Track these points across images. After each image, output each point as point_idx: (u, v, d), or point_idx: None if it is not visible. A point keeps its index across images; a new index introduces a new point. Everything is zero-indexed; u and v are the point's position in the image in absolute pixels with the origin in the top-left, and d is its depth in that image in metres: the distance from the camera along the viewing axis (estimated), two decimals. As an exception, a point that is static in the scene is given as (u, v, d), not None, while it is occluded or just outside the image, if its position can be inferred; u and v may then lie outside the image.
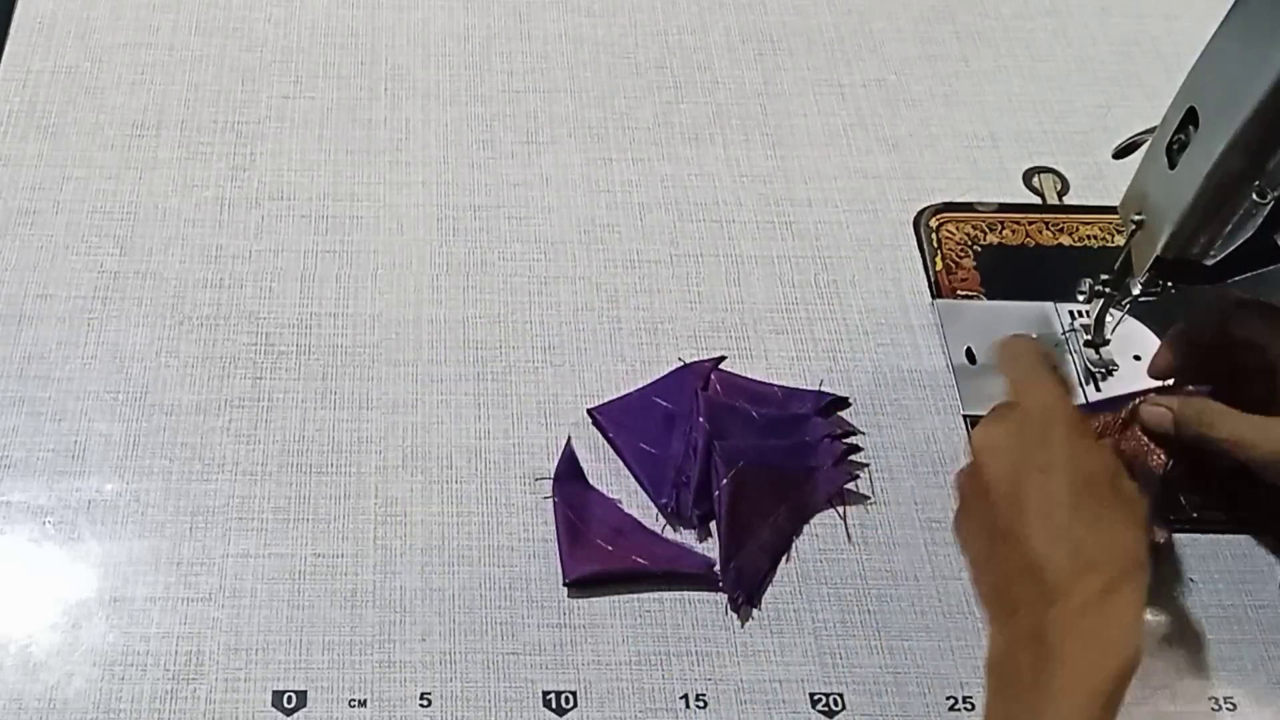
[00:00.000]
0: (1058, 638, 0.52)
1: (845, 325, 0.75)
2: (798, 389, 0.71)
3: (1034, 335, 0.73)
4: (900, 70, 0.87)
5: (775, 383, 0.72)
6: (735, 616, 0.64)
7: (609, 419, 0.69)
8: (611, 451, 0.69)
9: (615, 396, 0.70)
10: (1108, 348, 0.72)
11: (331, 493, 0.67)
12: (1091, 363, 0.72)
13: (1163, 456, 0.67)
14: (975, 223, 0.79)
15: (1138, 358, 0.72)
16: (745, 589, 0.65)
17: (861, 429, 0.71)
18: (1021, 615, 0.54)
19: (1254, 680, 0.64)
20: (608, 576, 0.65)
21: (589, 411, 0.70)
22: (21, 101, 0.81)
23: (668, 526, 0.67)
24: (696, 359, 0.72)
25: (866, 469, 0.69)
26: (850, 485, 0.68)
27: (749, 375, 0.72)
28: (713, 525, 0.66)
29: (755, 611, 0.65)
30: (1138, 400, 0.67)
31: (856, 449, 0.70)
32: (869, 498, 0.68)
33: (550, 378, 0.72)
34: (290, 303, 0.74)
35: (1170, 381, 0.68)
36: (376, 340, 0.73)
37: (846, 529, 0.67)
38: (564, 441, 0.69)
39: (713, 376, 0.71)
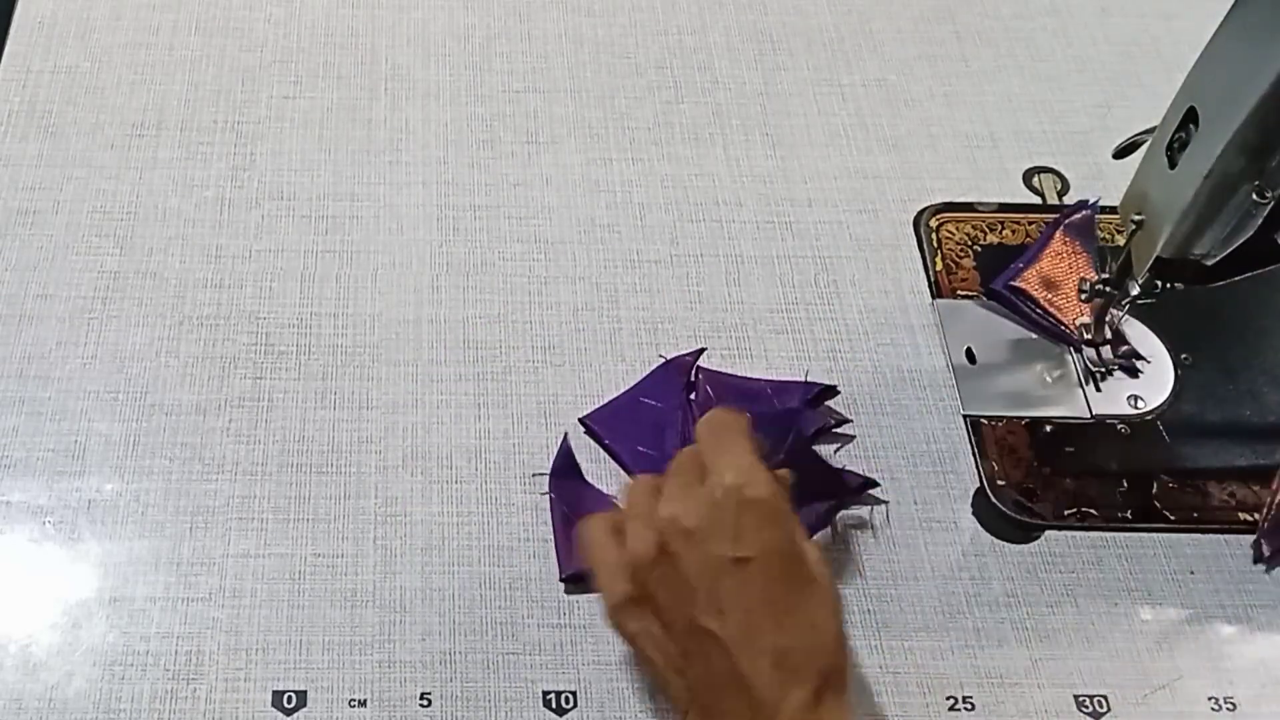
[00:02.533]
0: None
1: (845, 325, 0.75)
2: (786, 381, 0.71)
3: (1034, 336, 0.73)
4: (900, 70, 0.87)
5: (763, 377, 0.72)
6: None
7: (603, 426, 0.69)
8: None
9: (603, 403, 0.70)
10: (1107, 348, 0.72)
11: (331, 493, 0.67)
12: (1091, 363, 0.72)
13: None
14: (975, 223, 0.78)
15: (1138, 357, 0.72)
16: None
17: (861, 429, 0.71)
18: None
19: (1254, 680, 0.64)
20: None
21: (581, 420, 0.70)
22: (21, 101, 0.81)
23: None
24: (678, 354, 0.72)
25: (866, 469, 0.69)
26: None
27: (735, 372, 0.72)
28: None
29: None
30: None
31: (851, 438, 0.70)
32: (870, 498, 0.68)
33: (550, 378, 0.72)
34: (290, 303, 0.74)
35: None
36: (376, 340, 0.73)
37: (834, 531, 0.67)
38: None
39: (701, 378, 0.71)
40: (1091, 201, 0.77)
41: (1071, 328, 0.72)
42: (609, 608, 0.55)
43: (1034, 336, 0.74)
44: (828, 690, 0.51)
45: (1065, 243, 0.75)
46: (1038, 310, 0.73)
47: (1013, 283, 0.74)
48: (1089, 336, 0.72)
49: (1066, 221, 0.76)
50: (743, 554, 0.51)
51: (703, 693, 0.53)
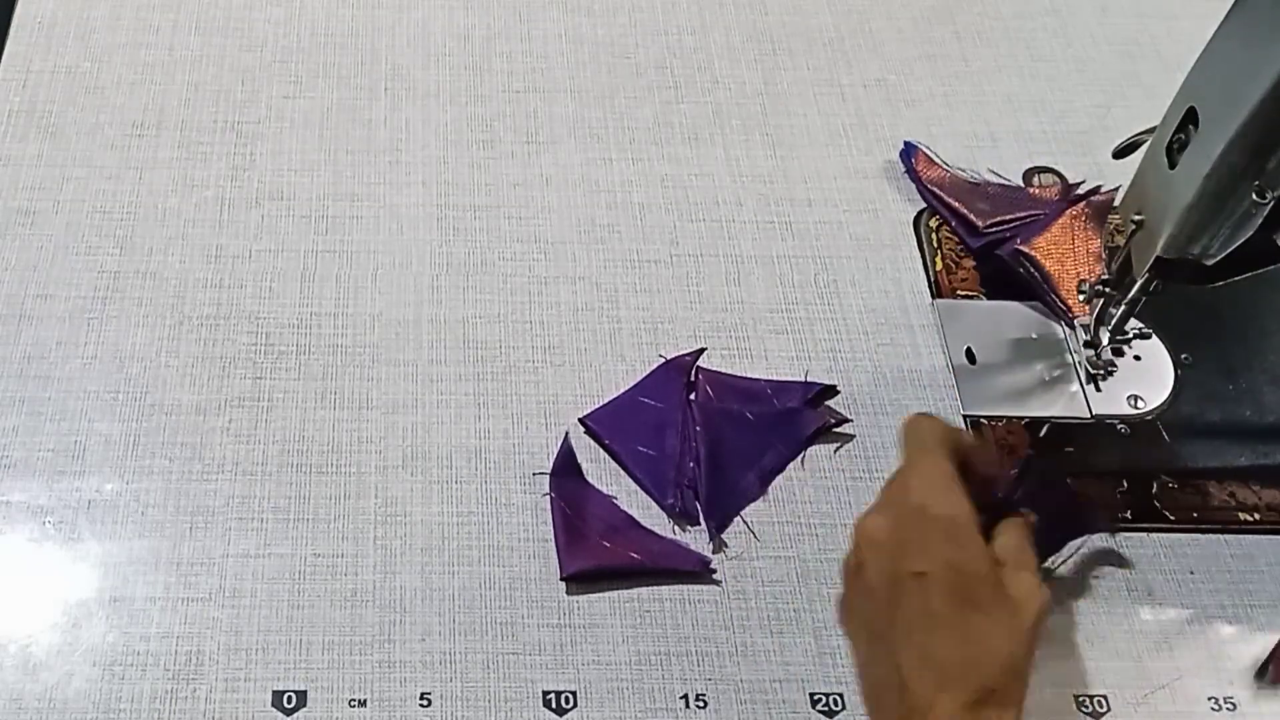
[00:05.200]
0: None
1: (845, 325, 0.75)
2: (785, 381, 0.72)
3: (1034, 336, 0.73)
4: (900, 70, 0.87)
5: (762, 377, 0.72)
6: (735, 617, 0.64)
7: (603, 426, 0.69)
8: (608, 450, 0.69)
9: (603, 402, 0.70)
10: (1107, 348, 0.72)
11: (331, 493, 0.67)
12: (1091, 363, 0.72)
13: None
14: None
15: (1138, 358, 0.72)
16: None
17: (861, 429, 0.71)
18: None
19: (1254, 680, 0.64)
20: (604, 572, 0.65)
21: (581, 420, 0.70)
22: (21, 101, 0.81)
23: (662, 524, 0.67)
24: (678, 354, 0.72)
25: (866, 469, 0.69)
26: (849, 484, 0.68)
27: (735, 372, 0.72)
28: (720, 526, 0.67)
29: (755, 612, 0.65)
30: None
31: (851, 437, 0.70)
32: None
33: (550, 378, 0.72)
34: (290, 303, 0.74)
35: None
36: (376, 340, 0.73)
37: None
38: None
39: (701, 378, 0.71)
40: (1105, 188, 0.77)
41: (1072, 305, 0.73)
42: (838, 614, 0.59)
43: (1034, 336, 0.74)
44: (987, 706, 0.51)
45: (1075, 218, 0.75)
46: (1039, 276, 0.73)
47: (1019, 247, 0.74)
48: (1088, 337, 0.72)
49: (1086, 200, 0.76)
50: (920, 569, 0.53)
51: (877, 693, 0.55)
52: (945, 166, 0.80)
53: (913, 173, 0.80)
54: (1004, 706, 0.52)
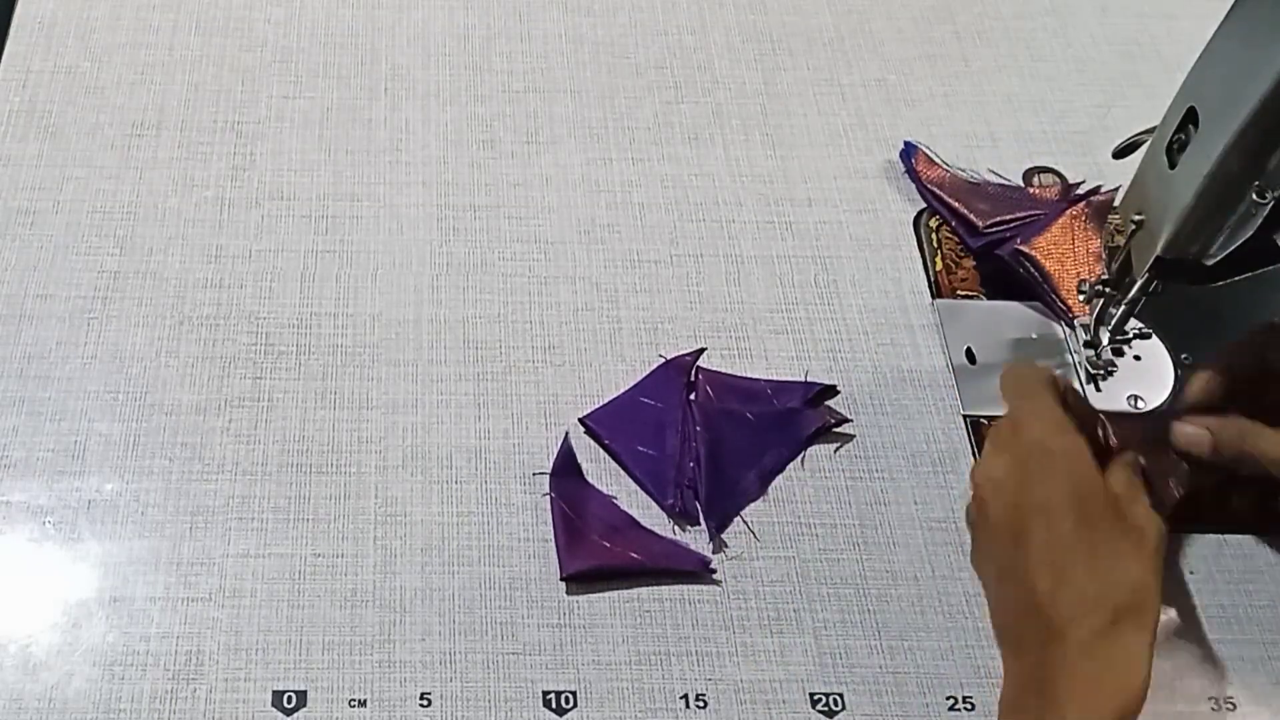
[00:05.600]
0: (1059, 680, 0.52)
1: (845, 325, 0.75)
2: (785, 381, 0.72)
3: (1034, 336, 0.74)
4: (900, 70, 0.87)
5: (762, 378, 0.72)
6: (735, 616, 0.64)
7: (603, 426, 0.69)
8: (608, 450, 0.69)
9: (603, 402, 0.70)
10: (1107, 348, 0.72)
11: (331, 493, 0.67)
12: (1091, 363, 0.72)
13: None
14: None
15: (1138, 358, 0.72)
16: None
17: (861, 429, 0.71)
18: (1027, 656, 0.54)
19: (1254, 680, 0.64)
20: (604, 572, 0.65)
21: (581, 420, 0.70)
22: (21, 101, 0.81)
23: (662, 524, 0.67)
24: (678, 354, 0.72)
25: (867, 469, 0.69)
26: (849, 483, 0.69)
27: (735, 372, 0.72)
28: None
29: (755, 611, 0.65)
30: (1164, 417, 0.68)
31: (851, 437, 0.70)
32: (868, 497, 0.68)
33: (550, 378, 0.72)
34: (290, 303, 0.74)
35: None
36: (376, 340, 0.73)
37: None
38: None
39: (701, 378, 0.71)
40: (1105, 188, 0.77)
41: (1072, 305, 0.73)
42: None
43: (1034, 336, 0.74)
44: (1124, 625, 0.53)
45: (1075, 218, 0.75)
46: (1039, 276, 0.73)
47: (1018, 247, 0.74)
48: (1088, 337, 0.72)
49: (1086, 200, 0.76)
50: (1043, 498, 0.56)
51: (1011, 629, 0.57)
52: (945, 166, 0.80)
53: (913, 173, 0.80)
54: (1140, 628, 0.53)
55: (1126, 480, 0.59)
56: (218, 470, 0.68)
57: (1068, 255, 0.74)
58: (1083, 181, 0.79)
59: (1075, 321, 0.73)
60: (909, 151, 0.81)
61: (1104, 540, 0.55)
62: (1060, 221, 0.76)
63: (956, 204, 0.78)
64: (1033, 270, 0.74)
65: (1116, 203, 0.68)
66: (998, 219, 0.77)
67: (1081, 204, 0.77)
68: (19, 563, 0.64)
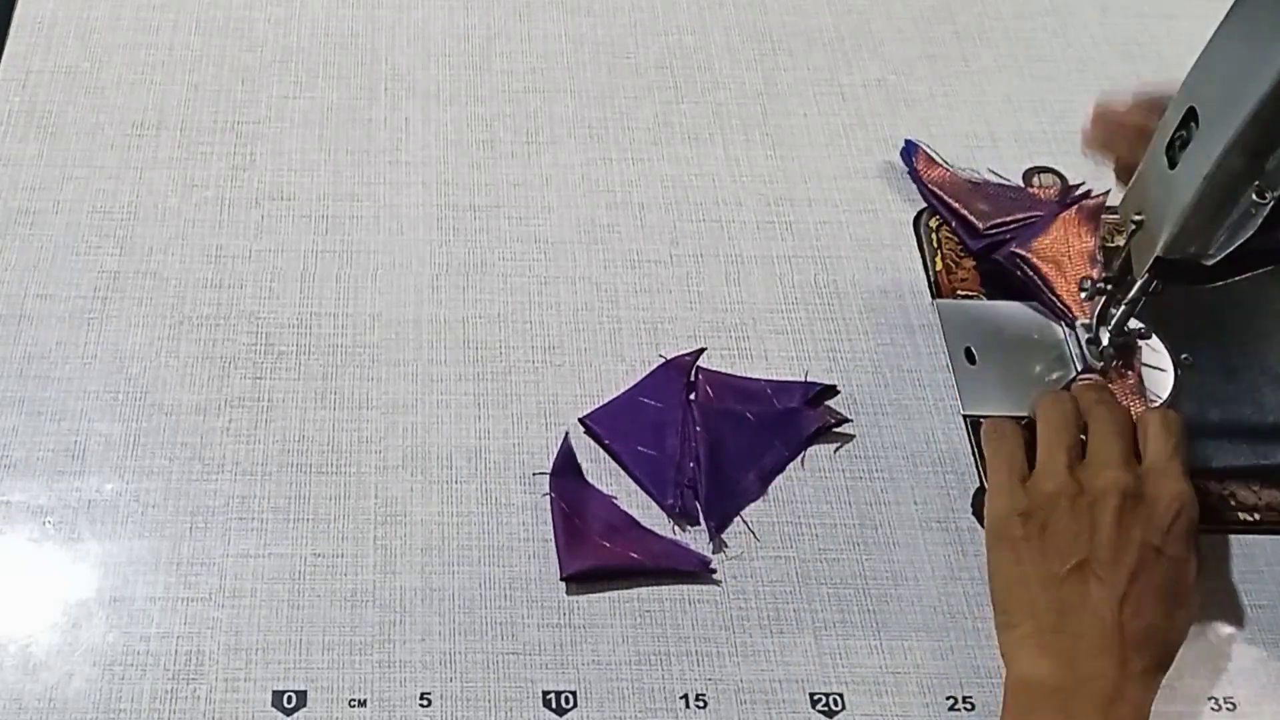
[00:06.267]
0: (1118, 699, 0.57)
1: (845, 325, 0.75)
2: (785, 381, 0.72)
3: (1034, 336, 0.74)
4: (900, 70, 0.87)
5: (762, 378, 0.72)
6: (735, 616, 0.64)
7: (603, 426, 0.69)
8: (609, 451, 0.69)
9: (603, 402, 0.70)
10: (1107, 347, 0.72)
11: (331, 493, 0.67)
12: (1092, 358, 0.72)
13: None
14: (975, 223, 0.78)
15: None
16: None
17: (861, 429, 0.71)
18: (1093, 681, 0.58)
19: (1254, 680, 0.64)
20: (604, 572, 0.65)
21: (581, 420, 0.70)
22: (21, 101, 0.81)
23: (662, 524, 0.67)
24: (678, 354, 0.72)
25: (867, 469, 0.69)
26: (849, 484, 0.69)
27: (735, 372, 0.72)
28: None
29: (755, 612, 0.65)
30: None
31: (851, 437, 0.70)
32: (868, 497, 0.68)
33: (550, 378, 0.72)
34: (290, 303, 0.74)
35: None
36: (376, 340, 0.73)
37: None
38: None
39: (701, 378, 0.71)
40: (1097, 192, 0.77)
41: (1071, 306, 0.72)
42: (994, 516, 0.63)
43: (1034, 336, 0.74)
44: (1160, 670, 0.59)
45: (1071, 220, 0.75)
46: (1038, 278, 0.73)
47: (1015, 250, 0.74)
48: (1088, 337, 0.72)
49: (1079, 203, 0.76)
50: (1161, 548, 0.60)
51: (1061, 621, 0.59)
52: (946, 166, 0.80)
53: (914, 172, 0.80)
54: (1163, 672, 0.59)
55: (1163, 452, 0.63)
56: (218, 470, 0.68)
57: (1064, 259, 0.74)
58: (1083, 183, 0.79)
59: (1076, 322, 0.73)
60: (910, 150, 0.81)
61: (1174, 596, 0.60)
62: (1056, 224, 0.75)
63: (957, 205, 0.78)
64: (1030, 273, 0.74)
65: (1117, 202, 0.68)
66: (997, 221, 0.76)
67: (1075, 207, 0.76)
68: (19, 563, 0.64)
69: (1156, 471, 0.62)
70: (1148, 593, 0.59)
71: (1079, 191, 0.78)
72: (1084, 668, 0.58)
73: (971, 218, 0.77)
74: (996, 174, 0.80)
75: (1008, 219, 0.76)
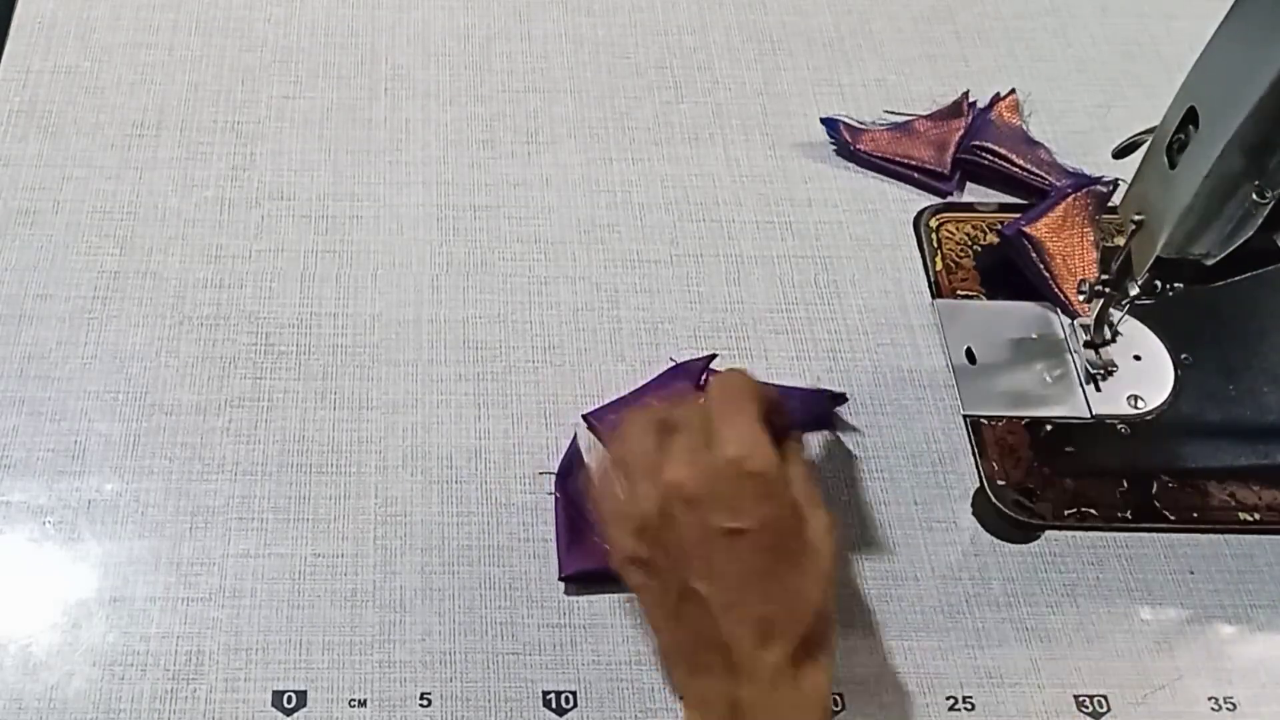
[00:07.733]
0: (754, 714, 0.53)
1: (845, 325, 0.75)
2: (794, 388, 0.71)
3: (1034, 336, 0.73)
4: (900, 70, 0.87)
5: (772, 383, 0.72)
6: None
7: (606, 425, 0.69)
8: (611, 451, 0.69)
9: (609, 400, 0.70)
10: (1107, 348, 0.72)
11: (331, 493, 0.67)
12: (1091, 363, 0.72)
13: None
14: (975, 223, 0.78)
15: (1138, 358, 0.72)
16: None
17: (861, 429, 0.71)
18: (713, 680, 0.54)
19: (1254, 680, 0.64)
20: (604, 574, 0.65)
21: (584, 417, 0.70)
22: (21, 101, 0.81)
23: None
24: (689, 358, 0.72)
25: (867, 469, 0.69)
26: (849, 484, 0.69)
27: None
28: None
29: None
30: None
31: (851, 436, 0.70)
32: (869, 498, 0.68)
33: (550, 378, 0.72)
34: (290, 303, 0.74)
35: None
36: (376, 340, 0.73)
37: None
38: (564, 441, 0.69)
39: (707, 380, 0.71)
40: (1109, 178, 0.77)
41: (1071, 297, 0.73)
42: (616, 560, 0.58)
43: (1034, 336, 0.74)
44: (805, 654, 0.54)
45: (1077, 204, 0.75)
46: (1043, 262, 0.73)
47: (1024, 228, 0.74)
48: (1089, 337, 0.72)
49: (1088, 187, 0.76)
50: (738, 525, 0.54)
51: (689, 649, 0.56)
52: (868, 127, 0.81)
53: (846, 148, 0.81)
54: (823, 650, 0.54)
55: (802, 476, 0.57)
56: (218, 470, 0.68)
57: (1071, 250, 0.74)
58: (1101, 176, 0.78)
59: (1075, 322, 0.73)
60: (832, 127, 0.81)
61: (791, 571, 0.54)
62: (1061, 206, 0.75)
63: (906, 158, 0.80)
64: (1033, 254, 0.74)
65: (1116, 203, 0.68)
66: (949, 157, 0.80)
67: (1084, 190, 0.76)
68: (19, 563, 0.64)
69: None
70: (733, 583, 0.54)
71: (1080, 180, 0.78)
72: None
73: (929, 164, 0.80)
74: (894, 112, 0.83)
75: (956, 152, 0.80)
